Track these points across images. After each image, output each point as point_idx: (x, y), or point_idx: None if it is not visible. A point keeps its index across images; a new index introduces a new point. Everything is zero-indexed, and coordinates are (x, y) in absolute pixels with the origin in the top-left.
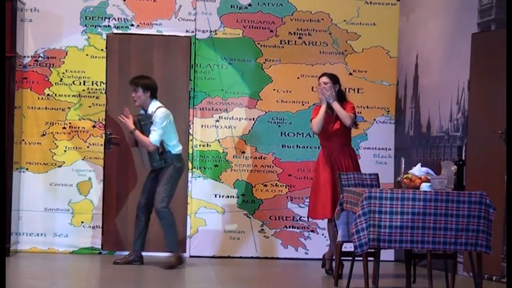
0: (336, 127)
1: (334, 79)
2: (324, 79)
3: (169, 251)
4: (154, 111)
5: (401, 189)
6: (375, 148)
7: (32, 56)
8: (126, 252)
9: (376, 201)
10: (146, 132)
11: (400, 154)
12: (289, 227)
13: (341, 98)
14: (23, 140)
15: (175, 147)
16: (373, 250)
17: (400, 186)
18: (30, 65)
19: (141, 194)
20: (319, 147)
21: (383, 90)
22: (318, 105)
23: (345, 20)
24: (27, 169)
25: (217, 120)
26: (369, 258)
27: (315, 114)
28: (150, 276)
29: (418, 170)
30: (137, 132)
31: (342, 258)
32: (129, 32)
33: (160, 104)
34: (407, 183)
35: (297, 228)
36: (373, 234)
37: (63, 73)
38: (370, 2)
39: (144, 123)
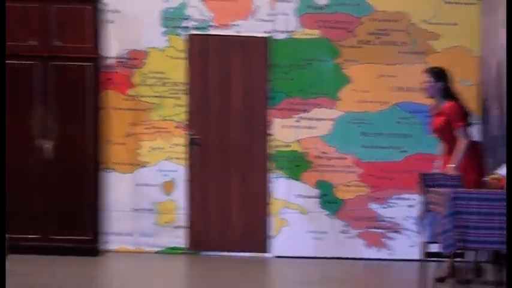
0: None
1: (436, 76)
2: (425, 77)
3: None
4: None
5: (488, 190)
6: None
7: (115, 57)
8: (211, 253)
9: (463, 202)
10: None
11: (486, 154)
12: (372, 228)
13: (447, 95)
14: (109, 141)
15: None
16: (460, 251)
17: (487, 186)
18: (114, 66)
19: None
20: (397, 148)
21: (464, 90)
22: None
23: (424, 20)
24: (113, 169)
25: (298, 121)
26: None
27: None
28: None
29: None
30: None
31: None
32: (208, 33)
33: None
34: (494, 184)
35: (380, 228)
36: (460, 235)
37: (146, 74)
38: (450, 2)
39: None
